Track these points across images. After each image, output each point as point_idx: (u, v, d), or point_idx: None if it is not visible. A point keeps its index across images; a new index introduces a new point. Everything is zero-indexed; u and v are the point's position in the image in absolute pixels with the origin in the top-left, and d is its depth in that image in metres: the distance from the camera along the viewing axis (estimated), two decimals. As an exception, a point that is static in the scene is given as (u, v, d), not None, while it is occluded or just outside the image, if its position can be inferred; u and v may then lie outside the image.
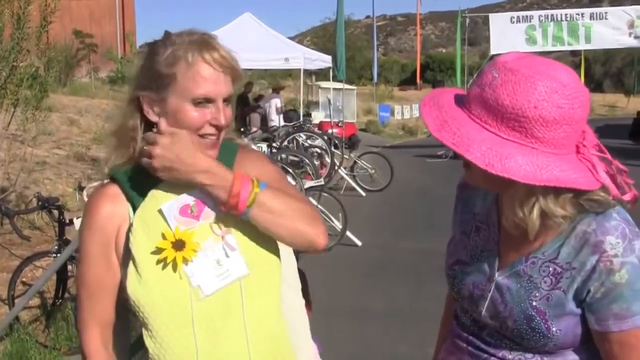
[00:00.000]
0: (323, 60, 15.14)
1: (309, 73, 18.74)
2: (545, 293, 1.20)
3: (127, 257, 1.26)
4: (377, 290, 5.40)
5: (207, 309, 1.23)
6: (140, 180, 1.30)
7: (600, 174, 1.15)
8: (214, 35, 1.31)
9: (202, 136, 1.29)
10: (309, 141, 10.67)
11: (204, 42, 1.27)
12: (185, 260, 1.23)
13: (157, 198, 1.27)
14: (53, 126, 10.43)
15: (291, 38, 21.97)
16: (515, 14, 16.97)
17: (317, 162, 9.71)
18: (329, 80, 17.20)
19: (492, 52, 15.41)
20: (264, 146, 9.49)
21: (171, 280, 1.23)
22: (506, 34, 15.62)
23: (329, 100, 13.62)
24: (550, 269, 1.20)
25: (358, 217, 7.64)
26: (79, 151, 9.79)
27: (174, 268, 1.23)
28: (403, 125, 25.53)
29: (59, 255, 3.94)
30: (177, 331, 1.22)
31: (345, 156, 10.43)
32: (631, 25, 15.28)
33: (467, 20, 17.84)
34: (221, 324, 1.24)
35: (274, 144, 9.87)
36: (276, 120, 13.04)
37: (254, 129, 12.49)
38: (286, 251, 1.44)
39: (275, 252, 1.32)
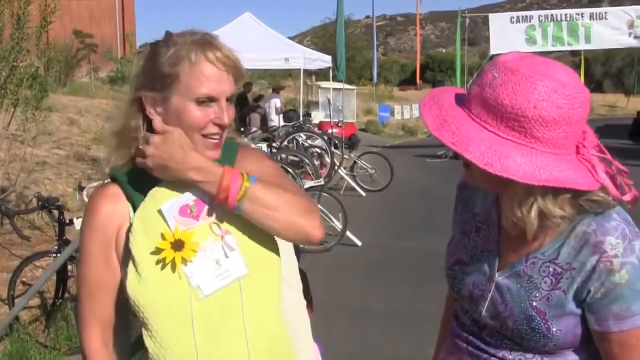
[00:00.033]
0: (323, 60, 15.14)
1: (309, 73, 18.75)
2: (545, 293, 1.20)
3: (127, 256, 1.26)
4: (377, 290, 5.40)
5: (207, 309, 1.23)
6: (140, 180, 1.30)
7: (600, 174, 1.15)
8: (216, 35, 1.31)
9: (205, 136, 1.29)
10: (308, 141, 10.67)
11: (207, 42, 1.28)
12: (184, 261, 1.23)
13: (157, 198, 1.28)
14: (53, 126, 10.43)
15: (291, 38, 21.99)
16: (515, 14, 16.98)
17: (317, 162, 9.71)
18: (328, 80, 17.19)
19: (492, 52, 15.42)
20: (263, 146, 9.48)
21: (170, 281, 1.23)
22: (506, 34, 15.62)
23: (329, 100, 13.62)
24: (550, 269, 1.20)
25: (358, 217, 7.65)
26: (79, 151, 9.79)
27: (173, 268, 1.23)
28: (403, 125, 25.54)
29: (58, 255, 3.94)
30: (177, 331, 1.22)
31: (345, 156, 10.42)
32: (631, 25, 15.29)
33: (467, 20, 17.84)
34: (221, 324, 1.24)
35: (274, 144, 9.87)
36: (276, 120, 13.04)
37: (254, 129, 12.49)
38: (287, 251, 1.44)
39: (275, 252, 1.32)
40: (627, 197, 1.17)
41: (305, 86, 18.43)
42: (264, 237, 1.29)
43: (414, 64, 42.22)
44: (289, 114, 14.38)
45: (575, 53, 23.81)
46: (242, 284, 1.26)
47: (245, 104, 14.44)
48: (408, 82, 51.33)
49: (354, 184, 10.14)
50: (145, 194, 1.29)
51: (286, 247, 1.42)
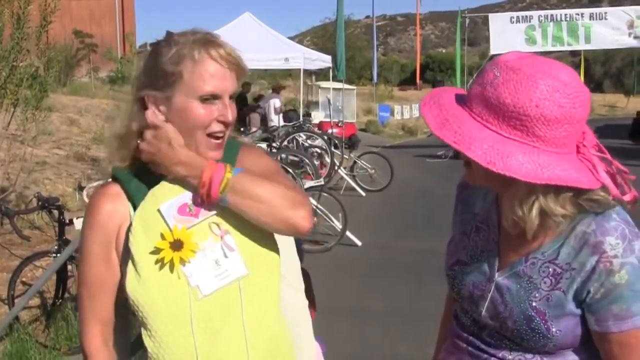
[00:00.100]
0: (323, 60, 15.14)
1: (308, 73, 18.75)
2: (545, 294, 1.20)
3: (127, 256, 1.27)
4: (377, 290, 5.40)
5: (206, 309, 1.24)
6: (141, 179, 1.31)
7: (601, 173, 1.15)
8: (217, 34, 1.32)
9: (209, 135, 1.29)
10: (308, 141, 10.67)
11: (209, 40, 1.29)
12: (183, 261, 1.23)
13: (156, 197, 1.28)
14: (53, 126, 10.42)
15: (291, 38, 22.00)
16: (514, 14, 16.98)
17: (317, 162, 9.71)
18: (328, 80, 17.19)
19: (492, 52, 15.43)
20: (263, 146, 9.48)
21: (170, 281, 1.23)
22: (506, 34, 15.63)
23: (329, 100, 13.61)
24: (550, 269, 1.20)
25: (358, 217, 7.65)
26: (79, 151, 9.79)
27: (172, 268, 1.23)
28: (403, 125, 25.54)
29: (58, 255, 3.94)
30: (176, 331, 1.22)
31: (345, 156, 10.42)
32: (631, 26, 15.29)
33: (467, 21, 17.85)
34: (220, 324, 1.24)
35: (274, 144, 9.87)
36: (275, 120, 13.03)
37: (254, 129, 12.48)
38: (289, 251, 1.44)
39: (275, 252, 1.32)
40: (627, 197, 1.17)
41: (305, 86, 18.42)
42: (264, 237, 1.29)
43: (414, 64, 42.23)
44: (289, 114, 14.38)
45: (575, 53, 23.81)
46: (241, 284, 1.26)
47: (244, 104, 14.43)
48: (408, 82, 51.33)
49: (354, 184, 10.14)
50: (146, 194, 1.29)
51: (288, 248, 1.42)
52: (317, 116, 17.04)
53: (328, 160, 10.10)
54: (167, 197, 1.28)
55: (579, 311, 1.19)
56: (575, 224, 1.18)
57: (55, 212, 4.08)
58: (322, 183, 7.38)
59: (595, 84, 52.16)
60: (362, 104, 27.87)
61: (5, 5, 5.52)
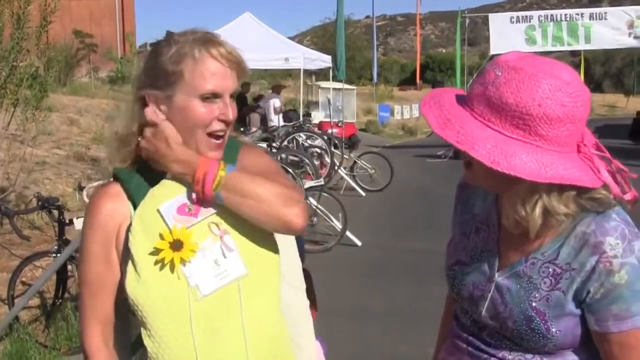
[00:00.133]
0: (323, 60, 15.14)
1: (308, 73, 18.74)
2: (544, 294, 1.20)
3: (127, 255, 1.27)
4: (377, 290, 5.40)
5: (205, 309, 1.24)
6: (143, 177, 1.32)
7: (602, 172, 1.16)
8: (217, 34, 1.32)
9: (210, 134, 1.30)
10: (308, 141, 10.67)
11: (209, 39, 1.29)
12: (183, 261, 1.23)
13: (156, 197, 1.28)
14: (53, 126, 10.42)
15: (291, 38, 22.00)
16: (514, 14, 16.99)
17: (317, 162, 9.71)
18: (328, 80, 17.19)
19: (492, 52, 15.44)
20: (263, 146, 9.48)
21: (169, 281, 1.23)
22: (506, 34, 15.64)
23: (329, 100, 13.62)
24: (550, 269, 1.21)
25: (358, 217, 7.65)
26: (79, 151, 9.78)
27: (172, 268, 1.23)
28: (403, 125, 25.54)
29: (58, 255, 3.94)
30: (176, 331, 1.22)
31: (345, 156, 10.43)
32: (631, 26, 15.30)
33: (467, 21, 17.87)
34: (219, 324, 1.24)
35: (274, 144, 9.87)
36: (275, 120, 13.02)
37: (254, 129, 12.48)
38: (290, 251, 1.44)
39: (275, 252, 1.32)
40: (627, 196, 1.18)
41: (305, 86, 18.42)
42: (263, 237, 1.29)
43: (413, 64, 42.23)
44: (288, 114, 14.37)
45: (575, 53, 23.81)
46: (240, 284, 1.26)
47: (244, 104, 14.43)
48: (408, 82, 51.32)
49: (353, 184, 10.14)
50: (146, 193, 1.30)
51: (289, 248, 1.42)
52: (317, 116, 17.04)
53: (328, 160, 10.10)
54: (167, 196, 1.28)
55: (578, 311, 1.19)
56: (575, 224, 1.18)
57: (55, 212, 4.08)
58: (322, 183, 7.38)
59: (595, 84, 52.16)
60: (362, 104, 27.87)
61: (5, 5, 5.52)
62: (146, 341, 1.23)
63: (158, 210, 1.26)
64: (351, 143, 11.66)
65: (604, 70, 59.00)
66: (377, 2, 28.27)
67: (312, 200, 6.76)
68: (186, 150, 1.27)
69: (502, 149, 1.10)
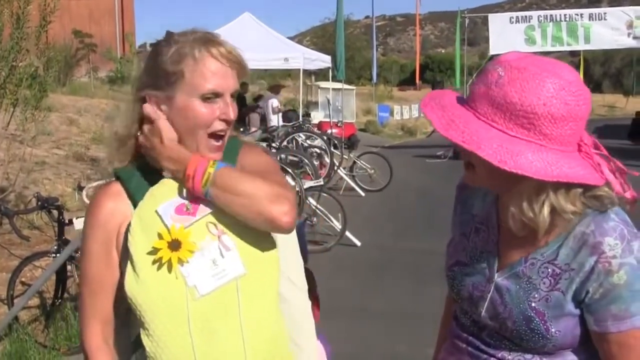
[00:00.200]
0: (322, 60, 15.13)
1: (308, 73, 18.73)
2: (544, 294, 1.21)
3: (126, 255, 1.27)
4: (377, 290, 5.41)
5: (203, 309, 1.24)
6: (142, 178, 1.32)
7: (604, 170, 1.16)
8: (217, 33, 1.32)
9: (211, 135, 1.30)
10: (308, 141, 10.67)
11: (209, 39, 1.29)
12: (181, 261, 1.23)
13: (155, 197, 1.29)
14: (52, 126, 10.42)
15: (290, 38, 21.97)
16: (514, 14, 17.00)
17: (316, 162, 9.71)
18: (328, 80, 17.18)
19: (492, 52, 15.47)
20: (263, 145, 9.48)
21: (167, 280, 1.23)
22: (505, 34, 15.64)
23: (328, 101, 13.61)
24: (549, 270, 1.21)
25: (357, 217, 7.65)
26: (78, 151, 9.78)
27: (169, 268, 1.23)
28: (402, 126, 25.56)
29: (58, 255, 3.94)
30: (174, 331, 1.23)
31: (344, 156, 10.43)
32: (630, 26, 15.30)
33: (467, 21, 17.88)
34: (217, 324, 1.24)
35: (274, 144, 9.87)
36: (274, 120, 13.01)
37: (253, 129, 12.47)
38: (292, 251, 1.44)
39: (273, 251, 1.31)
40: (627, 195, 1.18)
41: (305, 86, 18.41)
42: (262, 236, 1.29)
43: (413, 64, 42.29)
44: (288, 114, 14.36)
45: (574, 53, 23.82)
46: (238, 284, 1.26)
47: (243, 104, 14.42)
48: (407, 82, 51.32)
49: (353, 184, 10.15)
50: (146, 192, 1.30)
51: (291, 248, 1.42)
52: (317, 116, 17.04)
53: (327, 160, 10.10)
54: (166, 196, 1.29)
55: (578, 311, 1.19)
56: (574, 224, 1.18)
57: (55, 212, 4.08)
58: (322, 183, 7.38)
59: (594, 84, 52.15)
60: (361, 104, 27.87)
61: (4, 5, 5.52)
62: (145, 340, 1.24)
63: (156, 211, 1.26)
64: (351, 143, 11.66)
65: (604, 70, 59.02)
66: (377, 3, 28.36)
67: (312, 201, 6.77)
68: (178, 148, 1.28)
69: (507, 149, 1.11)
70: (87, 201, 4.13)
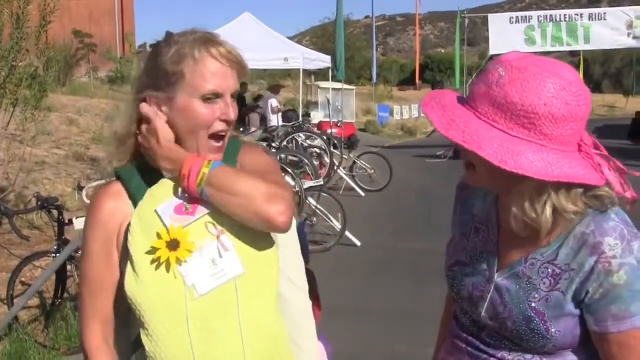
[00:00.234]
0: (322, 61, 15.13)
1: (308, 73, 18.73)
2: (544, 294, 1.21)
3: (126, 255, 1.27)
4: (377, 290, 5.41)
5: (202, 309, 1.24)
6: (143, 178, 1.32)
7: (605, 170, 1.16)
8: (217, 34, 1.32)
9: (212, 135, 1.30)
10: (308, 141, 10.67)
11: (209, 39, 1.29)
12: (179, 261, 1.24)
13: (155, 197, 1.29)
14: (52, 126, 10.42)
15: (290, 38, 21.96)
16: (514, 14, 16.99)
17: (316, 163, 9.71)
18: (328, 80, 17.18)
19: (491, 52, 15.48)
20: (263, 146, 9.47)
21: (166, 280, 1.24)
22: (505, 35, 15.65)
23: (328, 101, 13.61)
24: (549, 270, 1.21)
25: (357, 217, 7.65)
26: (78, 151, 9.78)
27: (168, 268, 1.24)
28: (402, 126, 25.56)
29: (58, 255, 3.94)
30: (173, 330, 1.23)
31: (344, 156, 10.43)
32: (630, 26, 15.31)
33: (467, 21, 17.89)
34: (216, 324, 1.24)
35: (273, 144, 9.87)
36: (273, 120, 13.01)
37: (253, 129, 12.47)
38: (294, 252, 1.44)
39: (272, 251, 1.31)
40: (627, 194, 1.18)
41: (305, 86, 18.41)
42: (261, 236, 1.29)
43: (413, 64, 42.29)
44: (288, 114, 14.36)
45: (574, 53, 23.82)
46: (238, 284, 1.26)
47: (243, 105, 14.42)
48: (407, 82, 51.32)
49: (353, 184, 10.15)
50: (146, 192, 1.30)
51: (291, 247, 1.42)
52: (317, 116, 17.04)
53: (327, 160, 10.10)
54: (165, 196, 1.29)
55: (578, 312, 1.19)
56: (574, 224, 1.18)
57: (55, 212, 4.08)
58: (322, 183, 7.38)
59: (594, 85, 52.13)
60: (361, 104, 27.86)
61: (4, 5, 5.52)
62: (144, 340, 1.24)
63: (156, 211, 1.27)
64: (350, 143, 11.66)
65: (603, 70, 59.01)
66: (377, 3, 28.36)
67: (312, 201, 6.77)
68: (175, 147, 1.28)
69: (508, 149, 1.11)
70: (87, 201, 4.13)
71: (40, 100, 5.76)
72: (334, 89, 17.04)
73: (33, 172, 7.48)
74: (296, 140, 10.67)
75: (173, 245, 1.23)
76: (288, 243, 1.39)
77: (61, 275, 4.12)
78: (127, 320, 1.33)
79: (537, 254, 1.23)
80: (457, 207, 1.44)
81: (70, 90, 16.40)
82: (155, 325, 1.23)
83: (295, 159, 9.22)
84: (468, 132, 1.13)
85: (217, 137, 1.31)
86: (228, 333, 1.25)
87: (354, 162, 10.69)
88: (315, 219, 6.73)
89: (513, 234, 1.24)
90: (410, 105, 28.82)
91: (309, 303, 1.46)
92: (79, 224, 3.80)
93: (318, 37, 45.52)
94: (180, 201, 1.28)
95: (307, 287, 1.47)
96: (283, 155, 9.04)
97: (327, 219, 6.80)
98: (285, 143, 10.34)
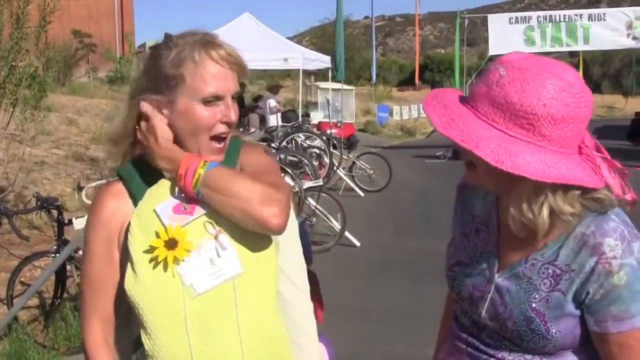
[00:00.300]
0: (322, 61, 15.14)
1: (307, 73, 18.74)
2: (544, 295, 1.21)
3: (127, 254, 1.28)
4: (376, 290, 5.41)
5: (200, 308, 1.24)
6: (144, 177, 1.32)
7: (604, 172, 1.16)
8: (216, 34, 1.32)
9: (213, 137, 1.30)
10: (307, 141, 10.67)
11: (209, 41, 1.29)
12: (177, 260, 1.24)
13: (154, 196, 1.29)
14: (52, 126, 10.41)
15: (290, 38, 21.96)
16: (513, 14, 16.99)
17: (315, 163, 9.70)
18: (327, 80, 17.19)
19: (491, 52, 15.50)
20: (264, 145, 9.45)
21: (164, 279, 1.24)
22: (505, 35, 15.66)
23: (328, 101, 13.61)
24: (550, 270, 1.21)
25: (357, 217, 7.65)
26: (78, 151, 9.78)
27: (165, 267, 1.24)
28: (401, 126, 25.55)
29: (57, 255, 3.94)
30: (171, 329, 1.23)
31: (343, 157, 10.43)
32: (629, 27, 15.32)
33: (466, 21, 17.89)
34: (214, 323, 1.24)
35: (273, 145, 9.87)
36: (272, 120, 13.00)
37: (253, 130, 12.47)
38: (295, 252, 1.44)
39: (271, 251, 1.31)
40: (627, 197, 1.18)
41: (304, 86, 18.41)
42: (259, 236, 1.29)
43: (412, 64, 42.30)
44: (287, 114, 14.36)
45: (573, 54, 23.81)
46: (235, 283, 1.26)
47: (242, 105, 14.41)
48: (407, 82, 51.26)
49: (352, 185, 10.15)
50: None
51: (291, 247, 1.42)
52: (316, 116, 17.02)
53: (327, 160, 10.10)
54: (164, 196, 1.29)
55: (578, 312, 1.19)
56: (574, 225, 1.18)
57: (54, 212, 4.08)
58: (321, 183, 7.38)
59: (593, 85, 52.05)
60: (360, 104, 27.86)
61: (4, 5, 5.52)
62: (144, 339, 1.24)
63: (154, 211, 1.27)
64: (350, 143, 11.67)
65: (603, 71, 59.01)
66: (376, 3, 28.36)
67: (311, 201, 6.77)
68: (172, 147, 1.29)
69: (505, 148, 1.11)
70: (86, 201, 4.13)
71: (40, 100, 5.76)
72: (333, 89, 17.04)
73: (32, 172, 7.47)
74: (295, 140, 10.67)
75: (171, 244, 1.24)
76: (288, 243, 1.39)
77: (60, 275, 4.12)
78: (127, 319, 1.34)
79: (537, 255, 1.23)
80: (457, 208, 1.44)
81: (70, 90, 16.40)
82: (153, 324, 1.23)
83: (294, 159, 9.21)
84: (466, 132, 1.13)
85: (218, 138, 1.31)
86: (226, 332, 1.25)
87: (354, 163, 10.69)
88: (314, 219, 6.73)
89: (513, 234, 1.24)
90: (410, 105, 28.81)
91: (309, 304, 1.46)
92: (78, 224, 3.80)
93: (317, 38, 45.48)
94: (179, 201, 1.28)
95: (308, 288, 1.47)
96: (282, 156, 9.04)
97: (326, 219, 6.80)
98: (284, 143, 10.33)
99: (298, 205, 6.59)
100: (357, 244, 6.81)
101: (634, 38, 15.41)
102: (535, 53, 1.27)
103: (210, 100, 1.28)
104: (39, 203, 4.07)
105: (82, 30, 22.12)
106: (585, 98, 1.13)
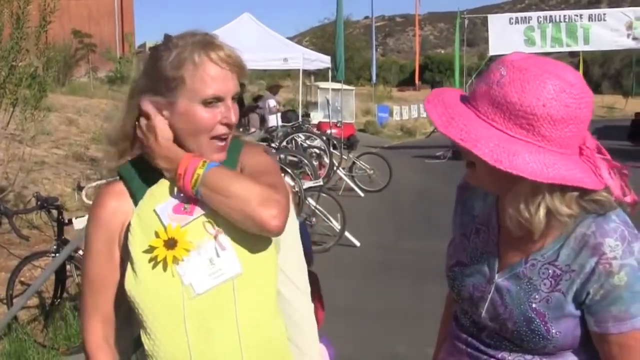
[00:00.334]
0: (322, 61, 15.13)
1: (307, 73, 18.74)
2: (544, 295, 1.21)
3: (128, 253, 1.28)
4: (376, 290, 5.41)
5: (199, 308, 1.24)
6: (144, 177, 1.32)
7: (604, 174, 1.16)
8: (216, 35, 1.32)
9: (214, 138, 1.30)
10: (307, 142, 10.66)
11: (208, 42, 1.29)
12: (176, 260, 1.24)
13: (154, 196, 1.30)
14: (52, 126, 10.42)
15: (290, 38, 21.94)
16: (513, 15, 16.98)
17: (315, 163, 9.70)
18: (327, 80, 17.18)
19: (491, 53, 15.50)
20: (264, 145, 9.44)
21: (164, 279, 1.24)
22: (505, 35, 15.65)
23: (328, 101, 13.61)
24: (550, 271, 1.21)
25: (357, 217, 7.65)
26: (78, 151, 9.78)
27: (165, 267, 1.24)
28: (401, 126, 25.54)
29: (57, 255, 3.94)
30: (170, 329, 1.23)
31: (343, 157, 10.43)
32: (629, 27, 15.32)
33: (466, 21, 17.89)
34: (213, 323, 1.25)
35: (273, 145, 9.87)
36: (272, 120, 12.99)
37: (253, 130, 12.47)
38: (295, 253, 1.44)
39: (271, 251, 1.31)
40: (627, 199, 1.18)
41: (304, 87, 18.40)
42: (259, 236, 1.29)
43: (412, 64, 42.30)
44: (287, 114, 14.35)
45: (573, 54, 23.81)
46: (235, 283, 1.26)
47: (242, 105, 14.40)
48: (407, 82, 51.25)
49: (352, 185, 10.15)
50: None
51: (291, 247, 1.42)
52: (316, 117, 17.01)
53: (327, 160, 10.10)
54: (164, 195, 1.29)
55: (578, 312, 1.19)
56: (575, 225, 1.18)
57: (54, 212, 4.08)
58: (321, 183, 7.38)
59: (593, 85, 51.94)
60: (360, 104, 27.84)
61: (4, 5, 5.52)
62: (143, 339, 1.25)
63: (154, 210, 1.27)
64: (350, 144, 11.66)
65: (603, 71, 59.00)
66: (376, 3, 28.35)
67: (311, 201, 6.77)
68: (172, 146, 1.29)
69: (504, 148, 1.11)
70: (86, 201, 4.13)
71: (40, 100, 5.76)
72: (333, 89, 17.04)
73: (32, 172, 7.47)
74: (295, 140, 10.67)
75: (170, 244, 1.24)
76: (289, 243, 1.39)
77: (60, 275, 4.12)
78: (128, 319, 1.34)
79: (537, 255, 1.23)
80: (458, 208, 1.44)
81: (70, 90, 16.40)
82: (153, 324, 1.23)
83: (294, 159, 9.21)
84: (466, 131, 1.13)
85: (219, 137, 1.31)
86: (225, 332, 1.25)
87: (353, 163, 10.69)
88: (314, 219, 6.73)
89: (513, 234, 1.24)
90: (410, 105, 28.79)
91: (310, 305, 1.46)
92: (78, 223, 3.80)
93: (317, 38, 45.46)
94: (179, 201, 1.29)
95: (308, 289, 1.46)
96: (282, 156, 9.03)
97: (326, 220, 6.80)
98: (284, 143, 10.33)
99: (298, 205, 6.59)
100: (357, 244, 6.81)
101: (634, 38, 15.41)
102: (535, 53, 1.27)
103: (211, 102, 1.28)
104: (39, 203, 4.07)
105: (82, 30, 22.12)
106: (585, 99, 1.13)
